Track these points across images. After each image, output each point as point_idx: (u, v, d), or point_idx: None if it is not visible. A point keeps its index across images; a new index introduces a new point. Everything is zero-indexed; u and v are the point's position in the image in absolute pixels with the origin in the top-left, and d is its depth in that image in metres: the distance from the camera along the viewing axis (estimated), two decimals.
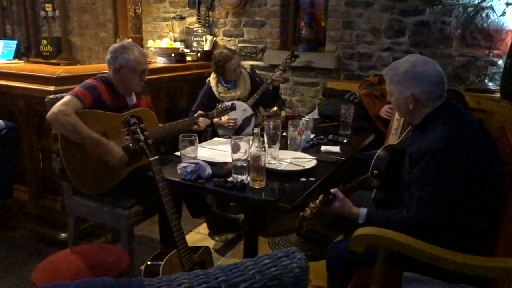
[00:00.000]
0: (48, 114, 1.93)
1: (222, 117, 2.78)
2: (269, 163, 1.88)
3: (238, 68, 2.91)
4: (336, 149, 2.25)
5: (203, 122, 2.36)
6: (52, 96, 2.12)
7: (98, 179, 2.04)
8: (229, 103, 2.49)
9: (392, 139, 2.47)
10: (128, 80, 2.13)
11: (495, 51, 3.00)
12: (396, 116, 2.52)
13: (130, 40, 4.50)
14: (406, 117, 1.65)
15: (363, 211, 1.58)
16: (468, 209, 1.46)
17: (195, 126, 2.33)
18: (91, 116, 1.99)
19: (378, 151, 1.79)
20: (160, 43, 3.70)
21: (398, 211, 1.57)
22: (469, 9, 3.03)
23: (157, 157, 1.69)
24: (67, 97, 1.97)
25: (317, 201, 1.61)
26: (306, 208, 1.59)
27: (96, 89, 2.06)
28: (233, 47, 3.93)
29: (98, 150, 1.97)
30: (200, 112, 2.41)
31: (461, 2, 3.03)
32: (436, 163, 1.43)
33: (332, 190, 1.63)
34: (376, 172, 1.73)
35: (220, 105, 2.47)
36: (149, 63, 3.66)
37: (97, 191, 2.07)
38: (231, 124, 2.79)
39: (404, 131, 2.43)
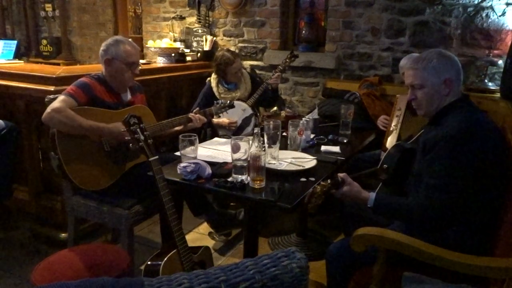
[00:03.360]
0: (43, 115, 1.95)
1: (223, 119, 2.77)
2: (269, 163, 1.88)
3: (239, 72, 2.91)
4: (336, 149, 2.25)
5: (198, 119, 2.32)
6: (52, 96, 2.13)
7: (96, 176, 2.04)
8: (227, 101, 2.48)
9: (391, 138, 2.47)
10: (120, 72, 2.14)
11: (495, 51, 2.99)
12: (396, 113, 2.52)
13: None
14: (430, 111, 1.59)
15: (372, 195, 1.58)
16: (473, 204, 1.45)
17: (190, 124, 2.30)
18: (87, 113, 2.00)
19: (390, 148, 1.79)
20: (160, 43, 3.70)
21: (406, 197, 1.58)
22: (469, 9, 3.03)
23: (157, 157, 1.69)
24: (61, 97, 2.00)
25: (328, 181, 1.60)
26: (316, 185, 1.58)
27: (89, 86, 2.08)
28: (233, 47, 3.93)
29: (101, 135, 2.01)
30: (197, 109, 2.40)
31: (461, 2, 3.03)
32: (450, 150, 1.42)
33: (340, 175, 1.62)
34: (386, 166, 1.73)
35: (218, 103, 2.46)
36: (149, 63, 3.69)
37: (96, 188, 2.07)
38: (233, 128, 2.79)
39: (403, 128, 2.44)
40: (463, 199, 1.44)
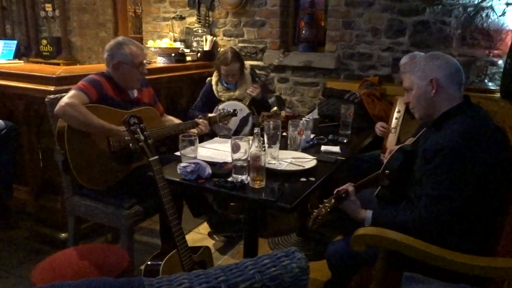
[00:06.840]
0: (56, 108, 1.95)
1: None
2: (269, 163, 1.88)
3: (231, 76, 2.88)
4: (336, 149, 2.25)
5: (204, 126, 2.35)
6: (52, 96, 2.13)
7: (100, 175, 2.05)
8: (231, 109, 2.51)
9: (391, 138, 2.47)
10: (129, 74, 2.16)
11: (495, 51, 2.99)
12: (395, 115, 2.52)
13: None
14: (424, 114, 1.59)
15: (369, 214, 1.57)
16: (475, 210, 1.44)
17: (195, 131, 2.31)
18: (98, 111, 2.01)
19: (393, 153, 1.78)
20: (160, 43, 3.70)
21: (404, 210, 1.57)
22: (469, 9, 3.03)
23: (157, 157, 1.69)
24: (72, 91, 1.99)
25: (332, 198, 1.61)
26: (320, 206, 1.59)
27: (99, 83, 2.09)
28: (233, 47, 3.92)
29: (110, 135, 2.03)
30: (202, 116, 2.42)
31: (461, 2, 3.03)
32: (450, 161, 1.40)
33: (349, 188, 1.62)
34: (388, 172, 1.73)
35: (221, 110, 2.49)
36: (149, 63, 3.69)
37: (97, 187, 2.07)
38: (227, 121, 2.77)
39: (402, 131, 2.43)
40: (464, 209, 1.43)
